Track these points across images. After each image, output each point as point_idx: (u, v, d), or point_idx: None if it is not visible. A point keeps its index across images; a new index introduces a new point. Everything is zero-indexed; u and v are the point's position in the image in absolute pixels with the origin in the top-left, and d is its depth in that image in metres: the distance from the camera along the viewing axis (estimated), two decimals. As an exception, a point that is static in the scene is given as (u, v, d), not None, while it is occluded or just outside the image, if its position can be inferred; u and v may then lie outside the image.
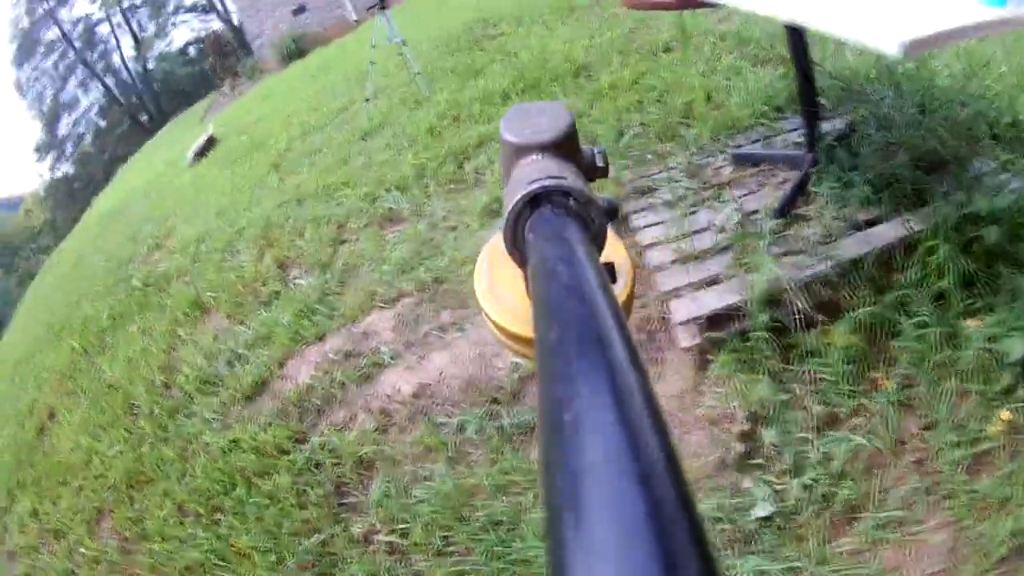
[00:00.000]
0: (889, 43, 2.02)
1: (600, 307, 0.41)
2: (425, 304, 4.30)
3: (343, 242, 5.74)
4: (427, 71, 9.70)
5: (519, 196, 0.56)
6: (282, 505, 3.46)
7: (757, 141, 4.25)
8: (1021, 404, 2.40)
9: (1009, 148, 3.42)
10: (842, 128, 3.92)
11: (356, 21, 24.07)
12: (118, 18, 49.10)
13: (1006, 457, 2.31)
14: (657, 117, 5.01)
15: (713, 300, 3.07)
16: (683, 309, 3.09)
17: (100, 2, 47.34)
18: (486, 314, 0.65)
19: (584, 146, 0.68)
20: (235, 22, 39.14)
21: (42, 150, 53.53)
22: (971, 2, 2.21)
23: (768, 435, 2.68)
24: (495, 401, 3.37)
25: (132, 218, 13.31)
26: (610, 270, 0.62)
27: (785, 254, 3.21)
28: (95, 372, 6.44)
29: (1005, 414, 2.41)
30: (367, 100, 9.66)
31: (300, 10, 28.23)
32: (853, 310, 2.88)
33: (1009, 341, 2.51)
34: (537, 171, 0.58)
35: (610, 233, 0.61)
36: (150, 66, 51.07)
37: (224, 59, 35.10)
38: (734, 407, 2.82)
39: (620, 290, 0.65)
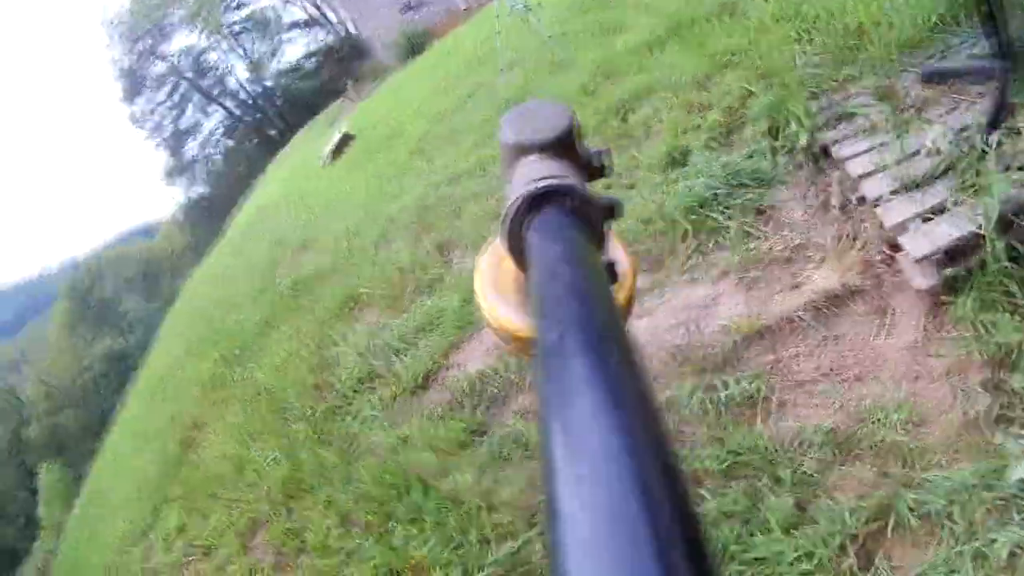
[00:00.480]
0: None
1: (600, 307, 0.42)
2: None
3: (508, 217, 5.31)
4: (559, 34, 9.34)
5: (519, 196, 0.54)
6: (466, 508, 3.10)
7: (941, 56, 3.87)
8: None
9: None
10: None
11: (465, 10, 24.40)
12: (226, 44, 50.76)
13: None
14: (829, 42, 4.52)
15: (948, 230, 2.72)
16: (917, 245, 2.73)
17: (201, 32, 48.98)
18: (486, 314, 0.62)
19: (584, 146, 0.67)
20: (348, 29, 40.05)
21: (172, 174, 55.82)
22: None
23: (1017, 381, 2.33)
24: (706, 371, 2.98)
25: (273, 225, 13.42)
26: (610, 269, 0.59)
27: (1008, 169, 2.87)
28: (242, 380, 6.37)
29: None
30: (501, 71, 9.41)
31: (408, 7, 28.67)
32: None
33: None
34: (537, 171, 0.58)
35: (611, 232, 0.61)
36: (269, 84, 52.81)
37: (342, 66, 35.73)
38: (978, 352, 2.44)
39: (620, 289, 0.62)
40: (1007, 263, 2.50)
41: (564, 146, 0.63)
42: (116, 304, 48.40)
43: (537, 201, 0.54)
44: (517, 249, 0.55)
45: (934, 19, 4.08)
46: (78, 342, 43.92)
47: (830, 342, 2.80)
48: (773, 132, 3.92)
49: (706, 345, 3.08)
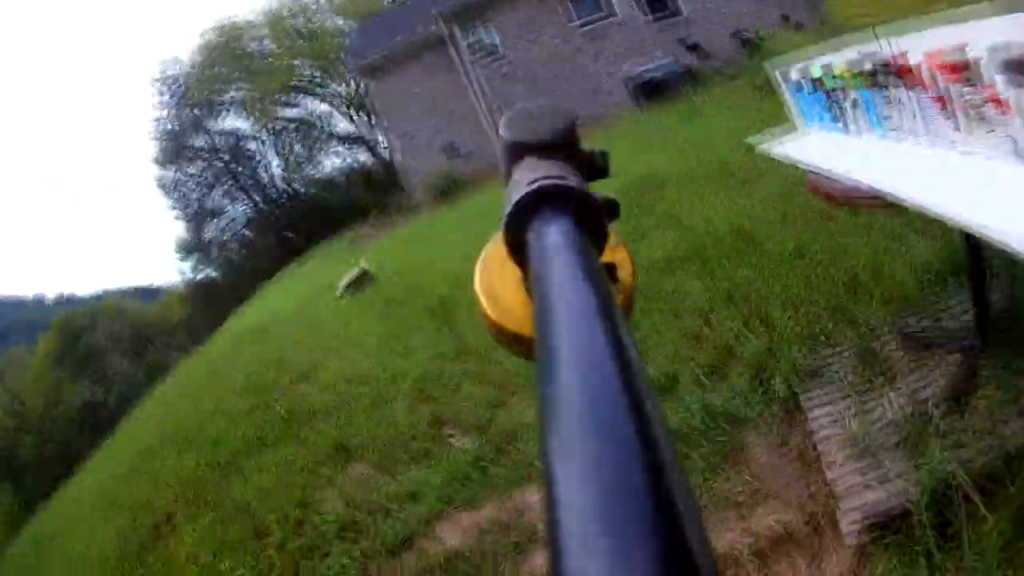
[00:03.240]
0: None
1: (600, 307, 0.42)
2: None
3: (500, 406, 5.62)
4: None
5: (519, 196, 0.56)
6: None
7: (925, 318, 4.07)
8: None
9: None
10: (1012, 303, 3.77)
11: None
12: (269, 137, 51.13)
13: None
14: (825, 290, 4.83)
15: (883, 498, 2.98)
16: (853, 506, 3.01)
17: (252, 120, 49.28)
18: (486, 314, 0.64)
19: (584, 146, 0.69)
20: (388, 157, 40.21)
21: (186, 249, 55.40)
22: None
23: None
24: None
25: (277, 341, 13.56)
26: (610, 270, 0.63)
27: (955, 446, 3.05)
28: (223, 490, 6.46)
29: None
30: None
31: (453, 151, 28.90)
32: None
33: None
34: (537, 171, 0.59)
35: (611, 233, 0.62)
36: (298, 187, 52.92)
37: (375, 193, 35.91)
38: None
39: (620, 290, 0.65)
40: (932, 532, 2.73)
41: (565, 146, 0.65)
42: (103, 355, 47.92)
43: (538, 201, 0.56)
44: (517, 249, 0.57)
45: (928, 276, 4.36)
46: (57, 379, 43.49)
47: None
48: (758, 376, 4.17)
49: None
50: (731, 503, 3.52)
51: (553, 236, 0.52)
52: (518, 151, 0.64)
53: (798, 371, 4.03)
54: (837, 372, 3.91)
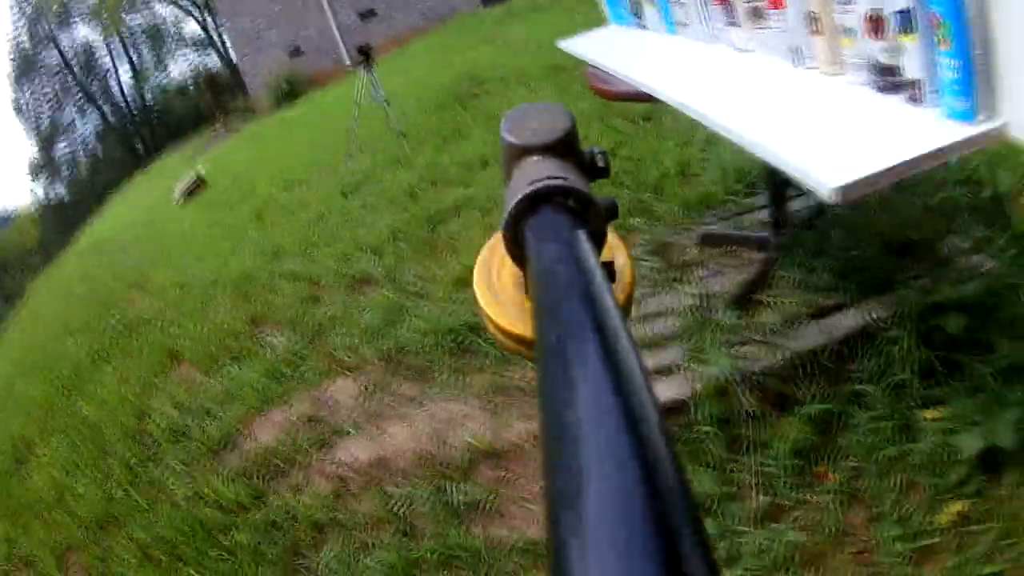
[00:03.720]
0: (822, 184, 1.84)
1: (600, 307, 0.41)
2: (388, 374, 4.38)
3: (315, 301, 5.81)
4: (411, 129, 9.74)
5: (519, 196, 0.56)
6: (239, 561, 3.52)
7: (727, 219, 4.20)
8: (972, 499, 2.35)
9: (988, 224, 3.35)
10: (812, 208, 3.80)
11: (350, 67, 23.99)
12: (117, 47, 49.31)
13: (953, 550, 2.25)
14: (629, 191, 5.04)
15: (664, 391, 3.06)
16: None
17: (102, 29, 47.39)
18: (485, 314, 0.63)
19: (585, 146, 0.67)
20: (232, 60, 39.08)
21: (37, 171, 53.66)
22: (929, 118, 1.98)
23: (711, 527, 2.61)
24: (445, 477, 3.43)
25: (118, 253, 13.39)
26: (609, 270, 0.60)
27: (743, 343, 3.18)
28: (73, 409, 6.49)
29: (954, 507, 2.34)
30: (349, 157, 9.73)
31: (296, 52, 28.26)
32: (804, 403, 2.85)
33: (962, 437, 2.44)
34: (537, 171, 0.58)
35: (610, 233, 0.62)
36: (147, 96, 51.29)
37: (219, 97, 35.02)
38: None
39: (619, 290, 0.63)
40: (713, 428, 2.86)
41: (565, 147, 0.64)
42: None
43: (537, 201, 0.55)
44: (517, 249, 0.57)
45: (735, 182, 4.52)
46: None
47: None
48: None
49: (447, 455, 3.54)
50: (521, 390, 3.76)
51: (553, 236, 0.52)
52: (518, 151, 0.64)
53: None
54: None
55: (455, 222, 6.05)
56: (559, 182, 0.55)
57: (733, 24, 3.18)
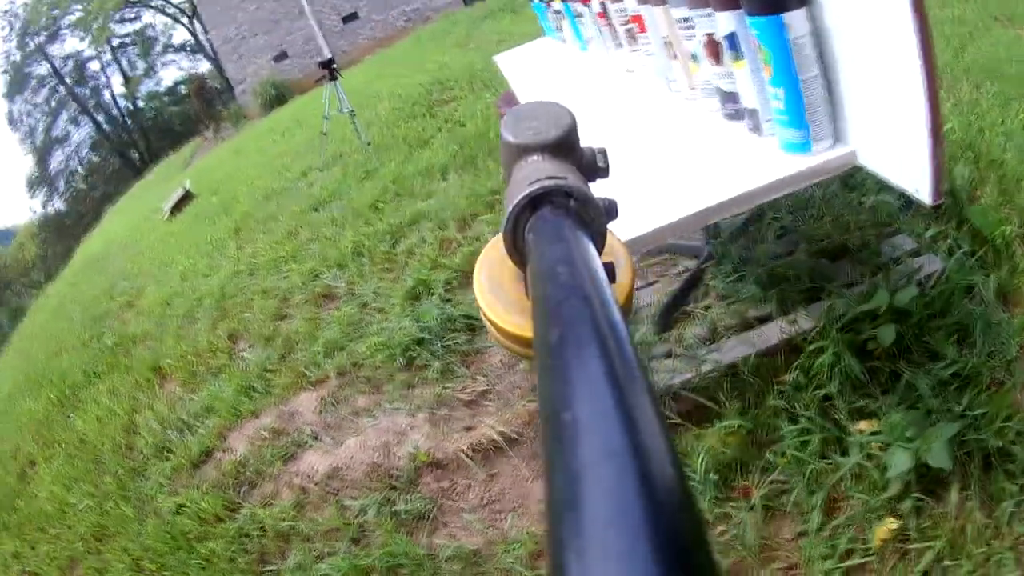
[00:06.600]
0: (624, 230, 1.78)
1: (600, 307, 0.41)
2: (345, 388, 4.54)
3: (284, 318, 5.97)
4: (380, 138, 9.87)
5: (519, 196, 0.56)
6: (215, 569, 3.70)
7: None
8: (908, 517, 2.25)
9: (942, 221, 3.25)
10: (751, 212, 3.70)
11: (316, 81, 23.85)
12: (108, 56, 49.18)
13: (887, 570, 2.18)
14: None
15: None
16: None
17: (90, 40, 47.24)
18: (485, 315, 0.63)
19: (584, 146, 0.68)
20: (221, 66, 39.01)
21: (34, 185, 53.40)
22: (770, 148, 1.95)
23: None
24: (392, 488, 3.59)
25: (110, 269, 13.44)
26: (609, 270, 0.57)
27: (666, 356, 3.14)
28: (69, 425, 6.63)
29: (889, 524, 2.24)
30: (320, 171, 9.85)
31: (282, 56, 28.16)
32: (724, 418, 2.79)
33: (894, 454, 2.30)
34: (537, 171, 0.58)
35: (610, 233, 0.61)
36: (140, 104, 51.06)
37: (209, 103, 34.89)
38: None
39: (619, 290, 0.63)
40: None
41: (565, 146, 0.63)
42: (-39, 301, 46.06)
43: (537, 201, 0.55)
44: (517, 249, 0.57)
45: None
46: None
47: (491, 480, 3.37)
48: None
49: (395, 466, 3.70)
50: (463, 403, 3.90)
51: (553, 236, 0.51)
52: (518, 151, 0.64)
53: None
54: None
55: (414, 235, 6.17)
56: (559, 182, 0.56)
57: (619, 45, 3.28)
